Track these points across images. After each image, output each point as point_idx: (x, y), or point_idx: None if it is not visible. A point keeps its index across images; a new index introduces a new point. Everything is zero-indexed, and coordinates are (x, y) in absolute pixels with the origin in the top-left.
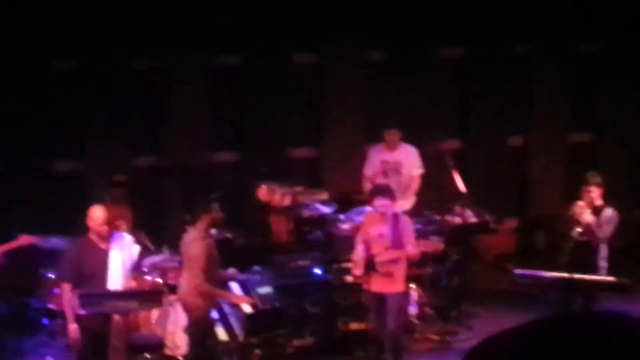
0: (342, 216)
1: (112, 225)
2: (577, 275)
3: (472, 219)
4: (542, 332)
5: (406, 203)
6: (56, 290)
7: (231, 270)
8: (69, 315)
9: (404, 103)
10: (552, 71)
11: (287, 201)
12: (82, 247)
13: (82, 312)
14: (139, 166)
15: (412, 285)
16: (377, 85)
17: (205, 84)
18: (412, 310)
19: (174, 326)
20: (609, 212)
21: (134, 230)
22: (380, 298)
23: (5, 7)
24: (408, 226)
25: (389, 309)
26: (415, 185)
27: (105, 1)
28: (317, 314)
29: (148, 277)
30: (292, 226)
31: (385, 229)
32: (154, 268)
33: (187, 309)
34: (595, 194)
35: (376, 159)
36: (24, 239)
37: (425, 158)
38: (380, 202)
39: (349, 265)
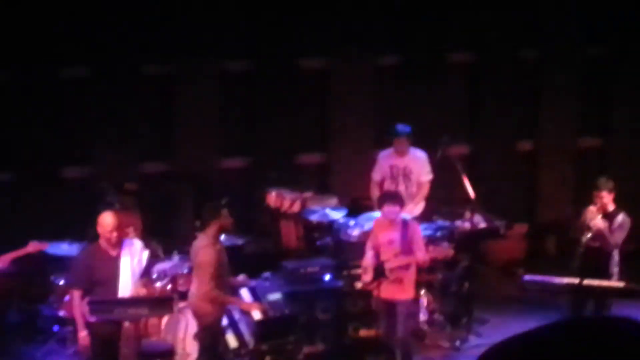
0: (351, 222)
1: (122, 232)
2: (587, 281)
3: (482, 224)
4: (552, 338)
5: (415, 209)
6: (66, 297)
7: (241, 277)
8: (79, 322)
9: (413, 108)
10: (562, 75)
11: (296, 207)
12: (92, 253)
13: (92, 319)
14: (149, 172)
15: (422, 292)
16: (386, 90)
17: (215, 89)
18: (422, 316)
19: (184, 333)
20: (621, 217)
21: (145, 238)
22: (390, 304)
23: (16, 14)
24: (417, 232)
25: (399, 316)
26: (425, 190)
27: (115, 8)
28: (327, 320)
29: (158, 284)
30: (301, 232)
31: (394, 235)
32: (163, 275)
33: (197, 315)
34: (607, 199)
35: (385, 164)
36: (34, 246)
37: (434, 163)
38: (389, 209)
39: (359, 271)
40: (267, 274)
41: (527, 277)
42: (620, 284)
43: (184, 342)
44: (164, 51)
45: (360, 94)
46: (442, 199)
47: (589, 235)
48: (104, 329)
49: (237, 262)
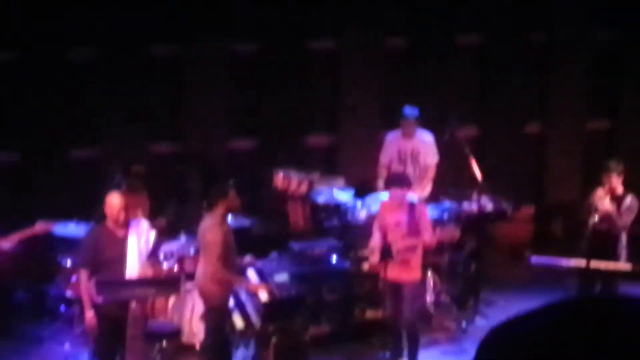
0: (358, 203)
1: (129, 213)
2: (594, 263)
3: (489, 206)
4: (558, 316)
5: (423, 191)
6: (73, 278)
7: (248, 258)
8: (86, 303)
9: (422, 90)
10: (570, 58)
11: (303, 188)
12: (100, 234)
13: (99, 299)
14: (157, 153)
15: (429, 273)
16: (395, 71)
17: (223, 70)
18: (429, 298)
19: (190, 313)
20: (629, 199)
21: (152, 219)
22: (397, 286)
23: None
24: (424, 214)
25: (405, 297)
26: (432, 173)
27: None
28: (333, 301)
29: (165, 265)
30: (308, 213)
31: (401, 216)
32: (170, 255)
33: (203, 296)
34: (616, 182)
35: (393, 146)
36: (41, 226)
37: (442, 145)
38: (396, 192)
39: (366, 253)
40: (274, 255)
41: (534, 258)
42: (628, 266)
43: (190, 323)
44: (172, 32)
45: (368, 76)
46: (450, 181)
47: (597, 217)
48: (110, 309)
49: (244, 243)
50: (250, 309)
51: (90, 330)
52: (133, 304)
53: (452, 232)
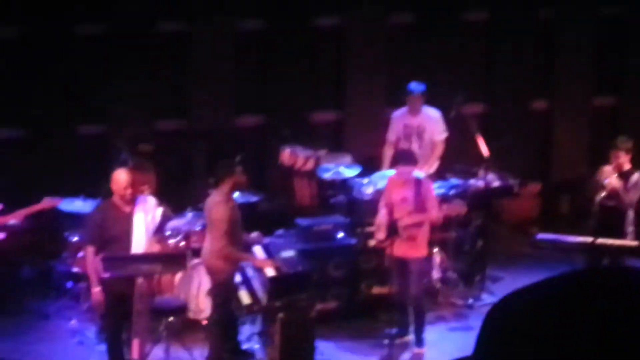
0: (365, 180)
1: (136, 190)
2: (600, 239)
3: (496, 183)
4: (566, 286)
5: (429, 168)
6: (80, 254)
7: (254, 234)
8: (93, 279)
9: (428, 67)
10: (576, 34)
11: (310, 165)
12: (106, 210)
13: (105, 275)
14: (163, 130)
15: (435, 250)
16: (401, 48)
17: (230, 48)
18: (435, 274)
19: (197, 290)
20: (636, 176)
21: (158, 197)
22: (403, 262)
23: None
24: (430, 190)
25: (412, 273)
26: (439, 149)
27: None
28: (340, 277)
29: (171, 241)
30: (315, 190)
31: (408, 193)
32: (177, 231)
33: (210, 272)
34: (623, 159)
35: (399, 123)
36: (48, 202)
37: (448, 122)
38: (403, 168)
39: (372, 229)
40: (280, 231)
41: (541, 235)
42: (635, 243)
43: (197, 299)
44: (179, 9)
45: (374, 52)
46: (456, 157)
47: (604, 194)
48: (117, 285)
49: (250, 220)
50: (256, 285)
51: (96, 306)
52: (139, 280)
53: (459, 209)
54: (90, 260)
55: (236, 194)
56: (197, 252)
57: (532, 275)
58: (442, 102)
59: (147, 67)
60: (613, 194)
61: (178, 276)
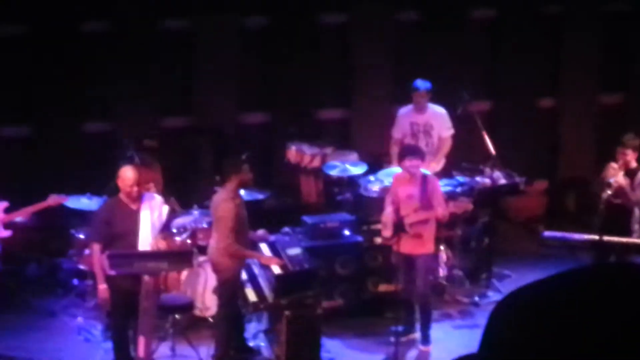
0: (371, 177)
1: (142, 187)
2: (606, 237)
3: (502, 180)
4: (572, 282)
5: (437, 165)
6: (86, 251)
7: (260, 232)
8: (99, 276)
9: (434, 64)
10: (583, 32)
11: (316, 162)
12: (112, 207)
13: (111, 272)
14: (169, 127)
15: (442, 247)
16: (407, 45)
17: (235, 44)
18: (441, 271)
19: (203, 287)
20: None
21: (165, 193)
22: (410, 259)
23: None
24: (437, 187)
25: (418, 271)
26: (447, 146)
27: None
28: (346, 275)
29: (178, 238)
30: (321, 187)
31: (414, 190)
32: (183, 229)
33: (216, 269)
34: (631, 156)
35: (405, 121)
36: (54, 199)
37: (454, 119)
38: (411, 162)
39: (378, 226)
40: (286, 229)
41: (547, 233)
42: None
43: (203, 296)
44: (183, 6)
45: (381, 50)
46: (462, 155)
47: (610, 191)
48: (123, 282)
49: (257, 217)
50: (263, 282)
51: (102, 304)
52: (146, 278)
53: (465, 206)
54: (96, 258)
55: (242, 192)
56: (203, 250)
57: (539, 273)
58: (449, 100)
59: (153, 64)
60: (619, 192)
61: (184, 273)
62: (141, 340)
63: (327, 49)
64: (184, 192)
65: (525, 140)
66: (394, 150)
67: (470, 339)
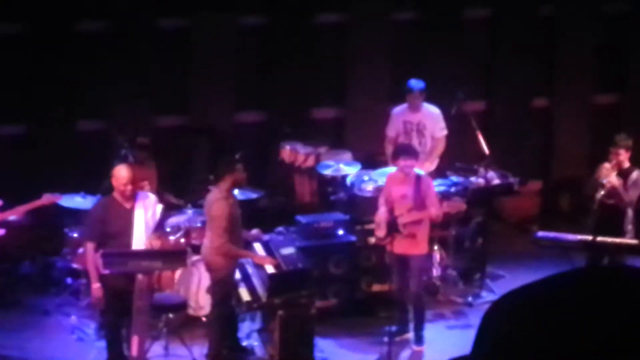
0: (365, 177)
1: (136, 186)
2: (600, 238)
3: (496, 180)
4: (565, 285)
5: (430, 165)
6: (80, 250)
7: (254, 231)
8: (93, 275)
9: (429, 63)
10: (578, 32)
11: (310, 161)
12: (106, 206)
13: (105, 271)
14: (164, 126)
15: (435, 247)
16: (403, 45)
17: (231, 43)
18: (435, 272)
19: (196, 286)
20: (635, 174)
21: (160, 192)
22: (403, 259)
23: None
24: (430, 187)
25: (412, 271)
26: (440, 146)
27: None
28: (340, 275)
29: (171, 237)
30: (315, 187)
31: (407, 190)
32: (177, 228)
33: (209, 269)
34: (623, 156)
35: (399, 120)
36: (48, 198)
37: (449, 119)
38: (405, 162)
39: (372, 226)
40: (280, 228)
41: (541, 233)
42: (634, 241)
43: (196, 296)
44: (179, 5)
45: (376, 49)
46: (457, 155)
47: (603, 192)
48: (117, 281)
49: (250, 216)
50: (256, 282)
51: (96, 303)
52: (139, 277)
53: (459, 206)
54: (90, 257)
55: (236, 191)
56: (197, 249)
57: (532, 273)
58: (443, 99)
59: (148, 63)
60: (612, 193)
61: (178, 273)
62: (134, 339)
63: (322, 48)
64: (178, 191)
65: (519, 141)
66: (389, 149)
67: (463, 339)
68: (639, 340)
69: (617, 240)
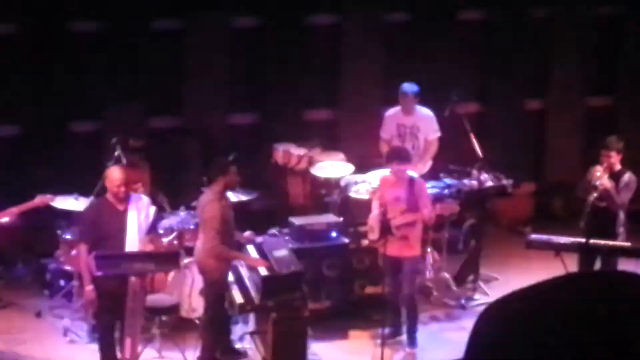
0: (359, 179)
1: (129, 187)
2: (593, 240)
3: (489, 183)
4: (557, 291)
5: (423, 167)
6: (73, 252)
7: (247, 233)
8: (86, 277)
9: (423, 65)
10: (572, 34)
11: (304, 163)
12: (100, 208)
13: (98, 273)
14: (157, 127)
15: (429, 250)
16: (396, 47)
17: (224, 45)
18: (428, 274)
19: (190, 288)
20: (627, 177)
21: (153, 193)
22: (396, 262)
23: None
24: (423, 189)
25: (405, 273)
26: (433, 149)
27: None
28: (333, 277)
29: (164, 239)
30: (308, 189)
31: (400, 192)
32: (170, 230)
33: (202, 271)
34: (615, 159)
35: (392, 122)
36: (41, 200)
37: (442, 121)
38: (398, 167)
39: (365, 228)
40: (273, 230)
41: (534, 236)
42: (627, 244)
43: (189, 298)
44: (173, 6)
45: (369, 51)
46: (450, 157)
47: (595, 195)
48: (110, 283)
49: (243, 218)
50: (249, 284)
51: (89, 305)
52: (132, 279)
53: (452, 208)
54: (83, 259)
55: (229, 193)
56: (190, 251)
57: (525, 276)
58: (437, 101)
59: (141, 64)
60: (604, 195)
61: (171, 275)
62: (127, 342)
63: (315, 50)
64: (172, 193)
65: (512, 143)
66: (383, 150)
67: (456, 341)
68: (628, 345)
69: (610, 242)
